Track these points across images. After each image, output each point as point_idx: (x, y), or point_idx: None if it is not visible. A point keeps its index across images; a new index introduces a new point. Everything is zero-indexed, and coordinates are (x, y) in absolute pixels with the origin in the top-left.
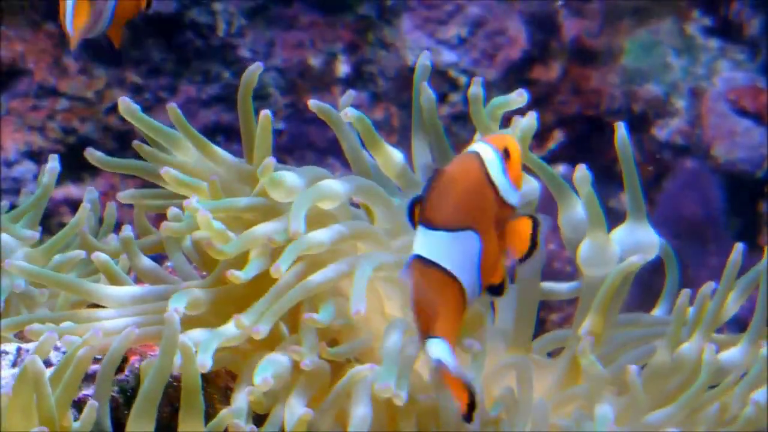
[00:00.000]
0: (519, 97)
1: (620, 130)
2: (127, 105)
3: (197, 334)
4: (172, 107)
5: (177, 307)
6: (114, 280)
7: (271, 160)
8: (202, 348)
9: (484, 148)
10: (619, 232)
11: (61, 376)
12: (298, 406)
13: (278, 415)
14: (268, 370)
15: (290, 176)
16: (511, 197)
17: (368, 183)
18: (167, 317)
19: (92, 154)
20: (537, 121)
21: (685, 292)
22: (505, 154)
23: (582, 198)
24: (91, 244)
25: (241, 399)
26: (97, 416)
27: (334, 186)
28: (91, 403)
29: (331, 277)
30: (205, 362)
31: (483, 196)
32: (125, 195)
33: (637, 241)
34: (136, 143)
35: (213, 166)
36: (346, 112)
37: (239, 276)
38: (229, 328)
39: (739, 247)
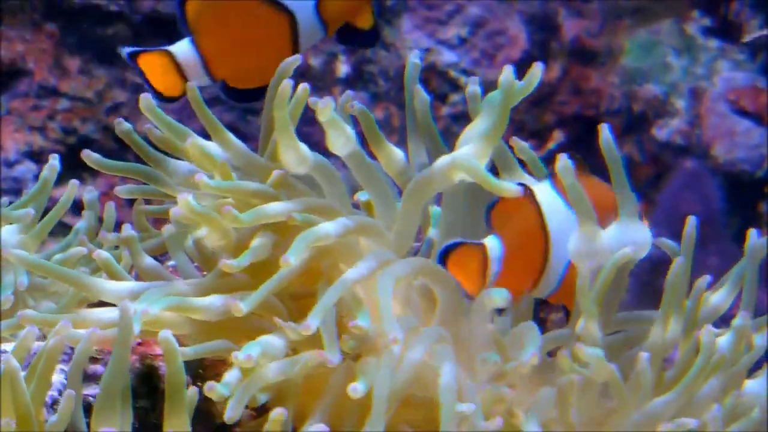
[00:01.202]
0: (535, 68)
1: (604, 132)
2: (147, 101)
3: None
4: (191, 86)
5: (146, 309)
6: (115, 278)
7: (289, 83)
8: (162, 301)
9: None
10: (612, 231)
11: (35, 368)
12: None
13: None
14: (256, 348)
15: (305, 147)
16: None
17: (373, 166)
18: (121, 307)
19: (89, 156)
20: (541, 72)
21: (679, 261)
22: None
23: (566, 189)
24: (89, 249)
25: (230, 375)
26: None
27: (351, 133)
28: (68, 393)
29: (364, 274)
30: (149, 309)
31: None
32: (123, 189)
33: (629, 238)
34: (147, 128)
35: (222, 152)
36: (352, 105)
37: (233, 265)
38: (205, 299)
39: (692, 221)
